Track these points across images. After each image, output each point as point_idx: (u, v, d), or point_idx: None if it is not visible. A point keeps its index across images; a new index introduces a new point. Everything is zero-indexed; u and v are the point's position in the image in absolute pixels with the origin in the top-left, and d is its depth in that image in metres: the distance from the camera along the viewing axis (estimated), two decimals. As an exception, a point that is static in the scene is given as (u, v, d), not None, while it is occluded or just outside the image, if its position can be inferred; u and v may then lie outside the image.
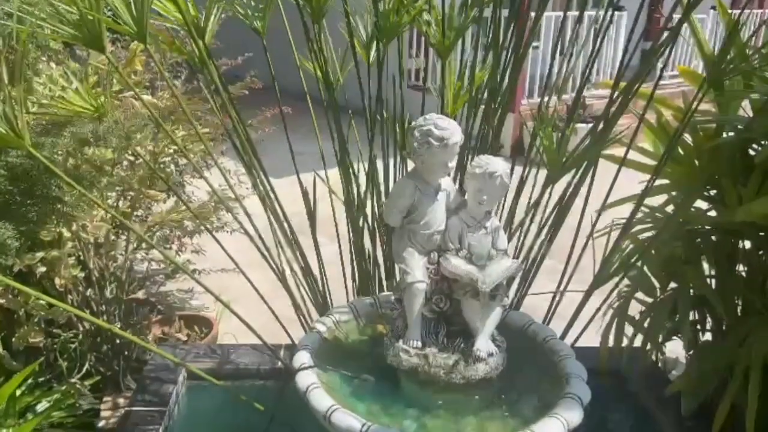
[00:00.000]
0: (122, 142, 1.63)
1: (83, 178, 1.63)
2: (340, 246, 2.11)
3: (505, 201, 1.99)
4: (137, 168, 2.34)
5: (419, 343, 1.38)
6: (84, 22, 1.23)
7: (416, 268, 1.37)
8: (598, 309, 1.91)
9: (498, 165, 1.35)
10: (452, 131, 1.30)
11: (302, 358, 1.43)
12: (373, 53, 1.89)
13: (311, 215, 1.96)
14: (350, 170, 1.90)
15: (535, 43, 5.88)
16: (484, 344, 1.36)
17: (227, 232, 2.76)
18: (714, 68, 1.63)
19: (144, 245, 2.54)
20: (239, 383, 2.11)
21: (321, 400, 1.30)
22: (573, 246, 1.88)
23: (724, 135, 1.85)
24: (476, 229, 1.40)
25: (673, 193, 2.01)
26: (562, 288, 1.92)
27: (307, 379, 1.35)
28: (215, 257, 2.22)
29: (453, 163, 1.36)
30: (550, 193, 1.86)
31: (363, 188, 1.94)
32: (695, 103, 1.67)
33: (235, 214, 2.09)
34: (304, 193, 1.94)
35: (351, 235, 1.99)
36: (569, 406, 1.30)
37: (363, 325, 1.63)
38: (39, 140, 1.52)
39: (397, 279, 1.44)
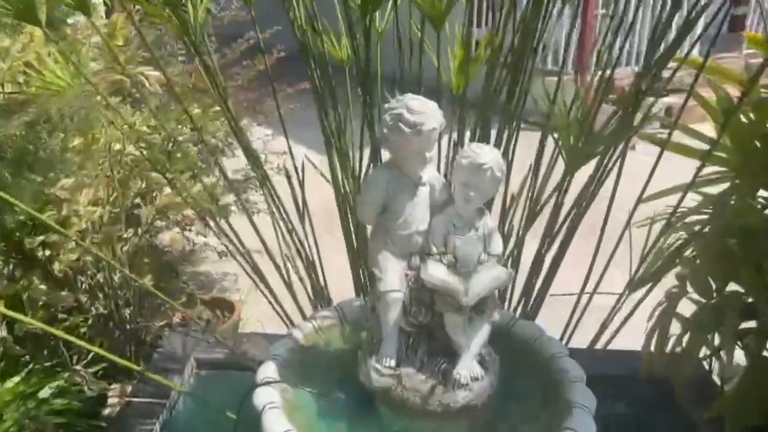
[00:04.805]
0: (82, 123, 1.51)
1: (60, 162, 1.52)
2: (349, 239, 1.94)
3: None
4: (154, 148, 2.24)
5: (393, 362, 1.18)
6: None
7: (391, 274, 1.17)
8: (631, 313, 1.68)
9: (488, 156, 1.13)
10: (428, 116, 1.08)
11: (266, 370, 1.27)
12: (382, 24, 1.69)
13: (297, 201, 1.80)
14: (335, 150, 1.69)
15: (602, 11, 5.41)
16: (466, 367, 1.15)
17: (254, 212, 2.64)
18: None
19: (159, 224, 2.46)
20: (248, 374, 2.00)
21: (274, 423, 1.13)
22: (600, 238, 1.65)
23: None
24: (465, 231, 1.18)
25: (733, 182, 1.72)
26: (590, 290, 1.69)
27: (265, 398, 1.19)
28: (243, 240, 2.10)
29: (431, 153, 1.14)
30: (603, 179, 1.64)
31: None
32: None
33: (243, 201, 1.96)
34: (287, 176, 1.76)
35: (349, 228, 1.80)
36: (564, 445, 1.09)
37: (348, 331, 1.45)
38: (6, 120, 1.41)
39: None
